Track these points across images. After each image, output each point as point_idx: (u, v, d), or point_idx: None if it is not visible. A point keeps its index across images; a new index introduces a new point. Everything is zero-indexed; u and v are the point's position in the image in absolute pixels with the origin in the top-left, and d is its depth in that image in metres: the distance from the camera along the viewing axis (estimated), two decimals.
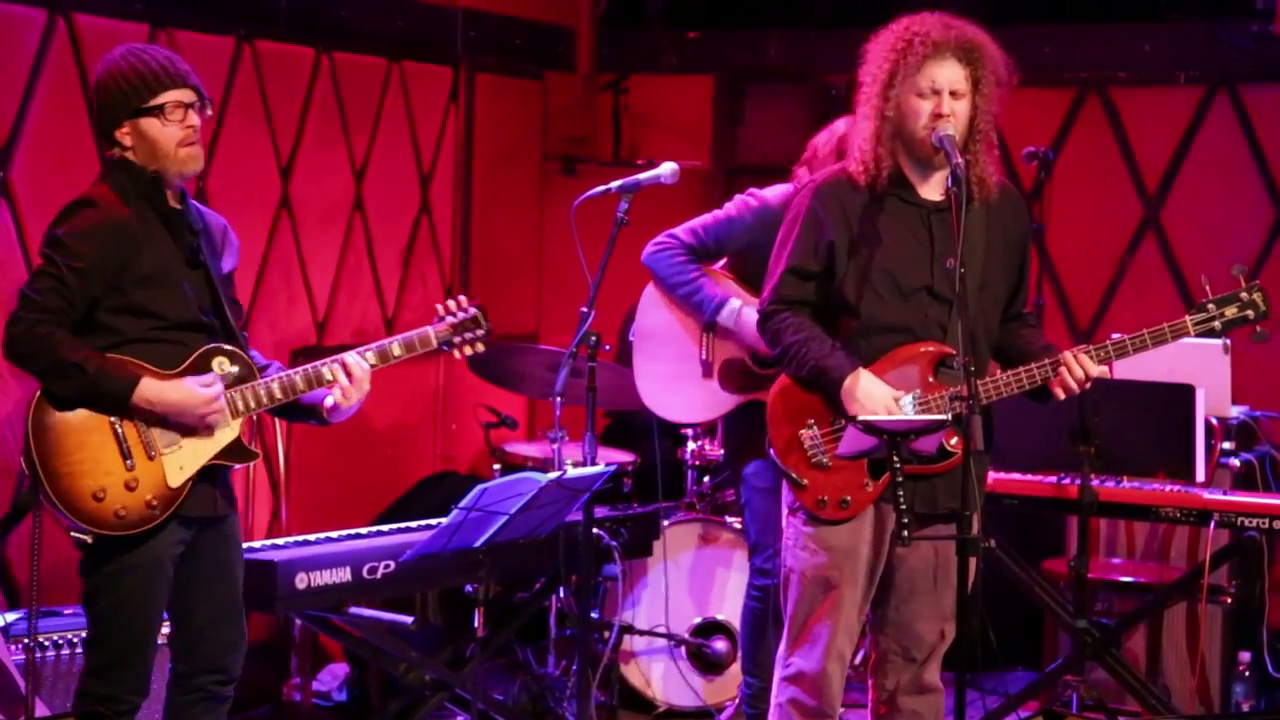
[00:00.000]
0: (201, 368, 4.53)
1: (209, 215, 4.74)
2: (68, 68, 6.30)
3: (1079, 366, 4.62)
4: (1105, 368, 4.67)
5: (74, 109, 6.35)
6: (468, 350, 4.84)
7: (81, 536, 4.43)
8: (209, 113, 4.59)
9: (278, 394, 4.60)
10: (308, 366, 4.64)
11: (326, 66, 7.41)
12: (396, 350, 4.74)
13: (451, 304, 4.84)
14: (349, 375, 4.64)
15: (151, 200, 4.52)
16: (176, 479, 4.49)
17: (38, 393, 4.43)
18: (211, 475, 4.58)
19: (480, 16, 8.13)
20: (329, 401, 4.70)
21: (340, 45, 7.46)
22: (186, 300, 4.54)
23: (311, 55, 7.35)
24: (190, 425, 4.47)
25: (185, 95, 4.50)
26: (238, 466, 4.68)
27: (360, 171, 7.64)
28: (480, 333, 4.84)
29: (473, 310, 4.84)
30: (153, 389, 4.42)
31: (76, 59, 6.32)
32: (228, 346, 4.59)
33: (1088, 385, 4.67)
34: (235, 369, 4.58)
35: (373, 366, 4.69)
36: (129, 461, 4.44)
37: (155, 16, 6.58)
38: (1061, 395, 4.68)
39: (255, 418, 6.41)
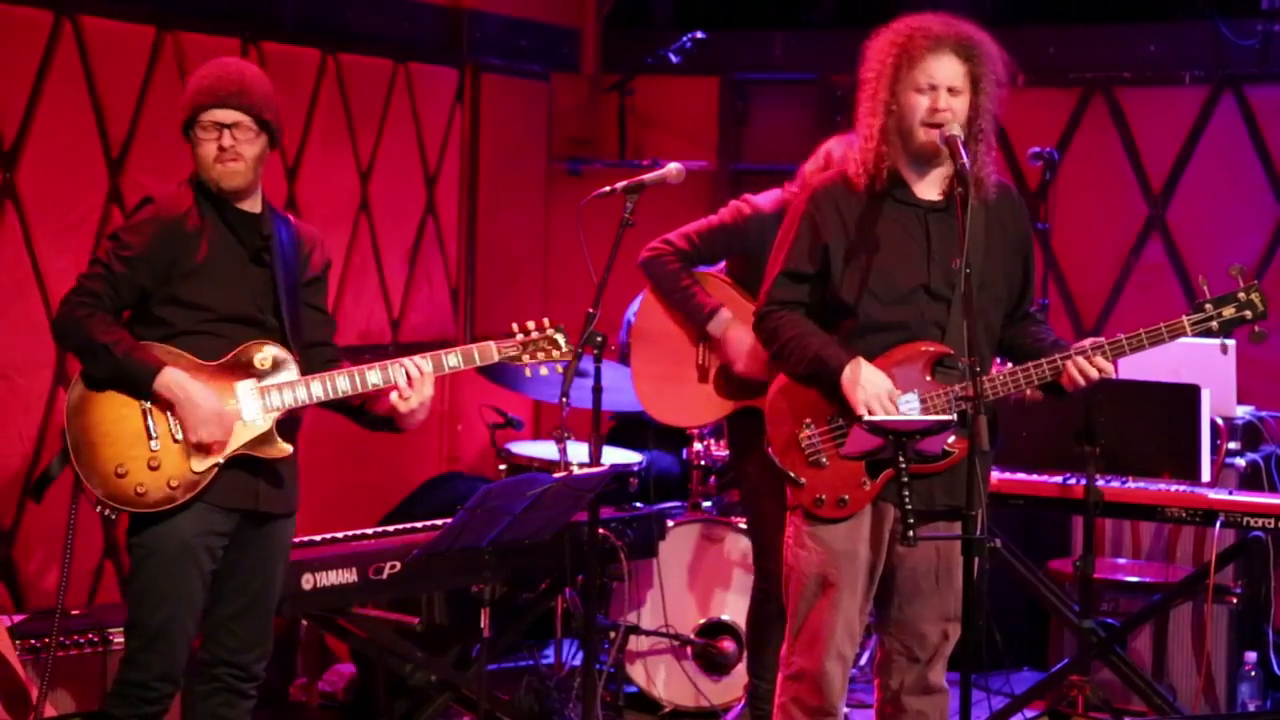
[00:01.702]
0: (243, 360, 4.64)
1: (301, 227, 4.89)
2: (74, 70, 6.31)
3: (1091, 367, 4.62)
4: (1111, 365, 4.68)
5: (80, 111, 6.37)
6: (544, 371, 4.90)
7: (105, 512, 4.57)
8: (255, 135, 4.65)
9: (318, 393, 4.69)
10: (354, 368, 4.73)
11: (332, 68, 7.42)
12: (452, 360, 4.79)
13: (530, 324, 4.88)
14: (408, 378, 4.71)
15: (214, 201, 4.68)
16: (201, 464, 4.57)
17: (80, 371, 4.61)
18: (251, 467, 4.66)
19: (486, 18, 8.14)
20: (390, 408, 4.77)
21: (346, 47, 7.47)
22: (239, 295, 4.67)
23: (317, 57, 7.36)
24: (185, 425, 4.55)
25: (224, 115, 4.62)
26: (280, 465, 4.72)
27: (366, 172, 7.66)
28: (558, 354, 4.89)
29: (550, 331, 4.89)
30: (174, 377, 4.54)
31: (83, 61, 6.33)
32: (271, 343, 4.68)
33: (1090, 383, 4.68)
34: (275, 365, 4.67)
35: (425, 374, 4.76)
36: (154, 442, 4.56)
37: (161, 19, 6.60)
38: (1070, 389, 4.68)
39: None
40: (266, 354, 4.66)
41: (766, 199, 5.86)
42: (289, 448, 4.69)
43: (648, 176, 5.56)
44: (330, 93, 7.42)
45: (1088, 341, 4.66)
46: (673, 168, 5.60)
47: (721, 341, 5.83)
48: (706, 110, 8.78)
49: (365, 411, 4.84)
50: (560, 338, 4.87)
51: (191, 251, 4.61)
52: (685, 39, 8.37)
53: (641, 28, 9.07)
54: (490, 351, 4.81)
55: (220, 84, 4.65)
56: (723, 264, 6.05)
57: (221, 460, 4.60)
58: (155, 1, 6.61)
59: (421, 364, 4.73)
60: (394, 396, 4.71)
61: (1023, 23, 8.16)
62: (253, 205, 4.75)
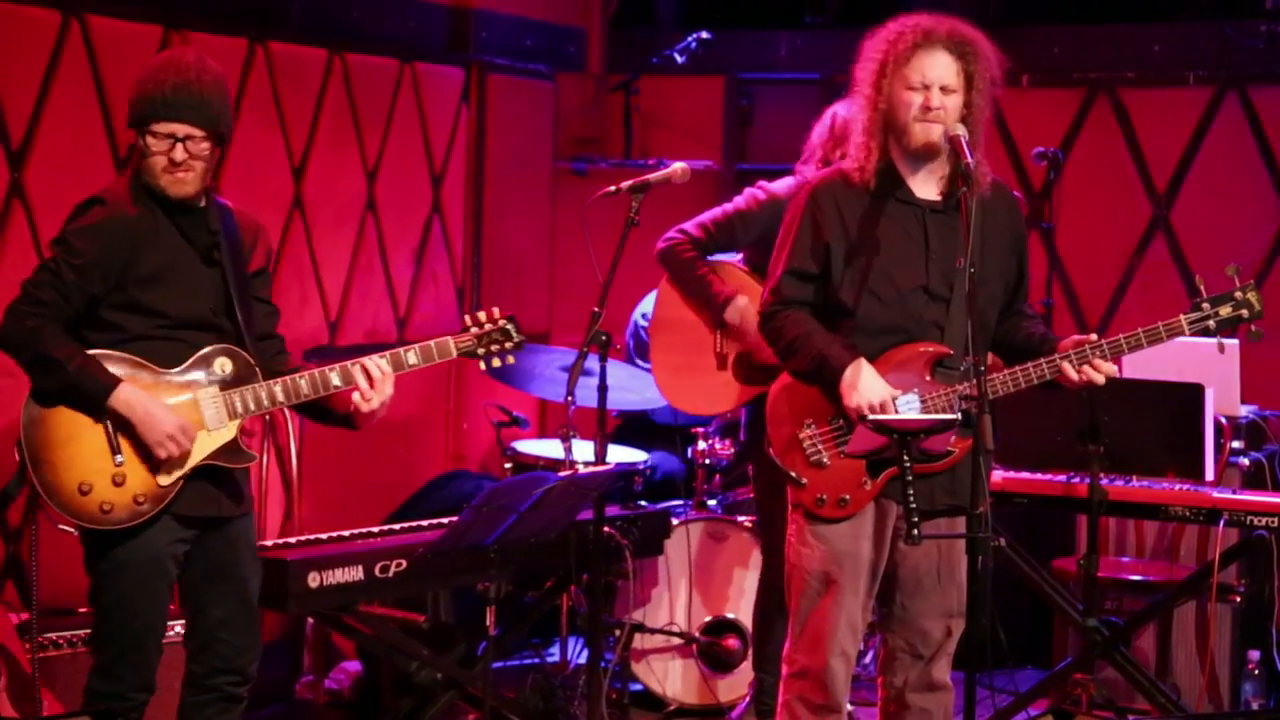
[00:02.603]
0: (203, 367, 4.56)
1: (240, 216, 4.75)
2: (82, 69, 6.33)
3: (1095, 372, 4.64)
4: (1113, 367, 4.70)
5: (88, 111, 6.38)
6: (495, 363, 4.83)
7: (68, 529, 4.49)
8: (209, 148, 4.54)
9: (280, 397, 4.62)
10: (314, 370, 4.65)
11: (339, 67, 7.43)
12: (411, 358, 4.71)
13: (481, 315, 4.82)
14: (369, 378, 4.65)
15: (160, 201, 4.55)
16: (166, 478, 4.50)
17: (31, 387, 4.48)
18: (213, 476, 4.60)
19: (492, 18, 8.16)
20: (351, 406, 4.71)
21: (352, 46, 7.49)
22: (194, 299, 4.58)
23: (324, 56, 7.37)
24: (148, 442, 4.45)
25: (179, 129, 4.49)
26: (235, 468, 4.66)
27: (372, 172, 7.67)
28: (510, 345, 4.82)
29: (502, 322, 4.82)
30: (131, 393, 4.44)
31: (90, 61, 6.35)
32: (230, 348, 4.61)
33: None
34: (235, 370, 4.59)
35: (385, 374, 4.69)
36: (118, 457, 4.46)
37: (168, 18, 6.61)
38: (1073, 389, 4.70)
39: (268, 418, 6.45)
40: (226, 359, 4.59)
41: (782, 185, 5.88)
42: (254, 455, 4.65)
43: (653, 176, 5.57)
44: (337, 92, 7.44)
45: (1085, 339, 4.67)
46: (677, 167, 5.61)
47: (740, 329, 5.85)
48: (711, 110, 8.80)
49: (327, 411, 4.76)
50: (511, 327, 4.81)
51: (145, 255, 4.50)
52: (690, 39, 8.39)
53: (646, 28, 9.09)
54: (448, 347, 4.75)
55: (180, 94, 4.49)
56: (740, 254, 6.07)
57: (187, 471, 4.53)
58: (162, 1, 6.62)
59: (381, 364, 4.65)
60: (356, 397, 4.64)
61: (1027, 23, 8.18)
62: (197, 199, 4.62)
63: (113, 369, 4.46)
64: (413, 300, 7.95)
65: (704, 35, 8.37)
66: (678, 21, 9.07)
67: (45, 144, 6.22)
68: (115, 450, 4.45)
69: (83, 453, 4.44)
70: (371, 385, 4.64)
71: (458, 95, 8.15)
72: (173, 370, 4.54)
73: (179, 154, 4.49)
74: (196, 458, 4.54)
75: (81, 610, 5.75)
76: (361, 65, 7.55)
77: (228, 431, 4.58)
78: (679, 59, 8.43)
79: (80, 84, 6.33)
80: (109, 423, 4.45)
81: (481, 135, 8.24)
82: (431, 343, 4.75)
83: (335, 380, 4.65)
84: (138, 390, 4.45)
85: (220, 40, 6.82)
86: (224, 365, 4.60)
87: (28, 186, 6.18)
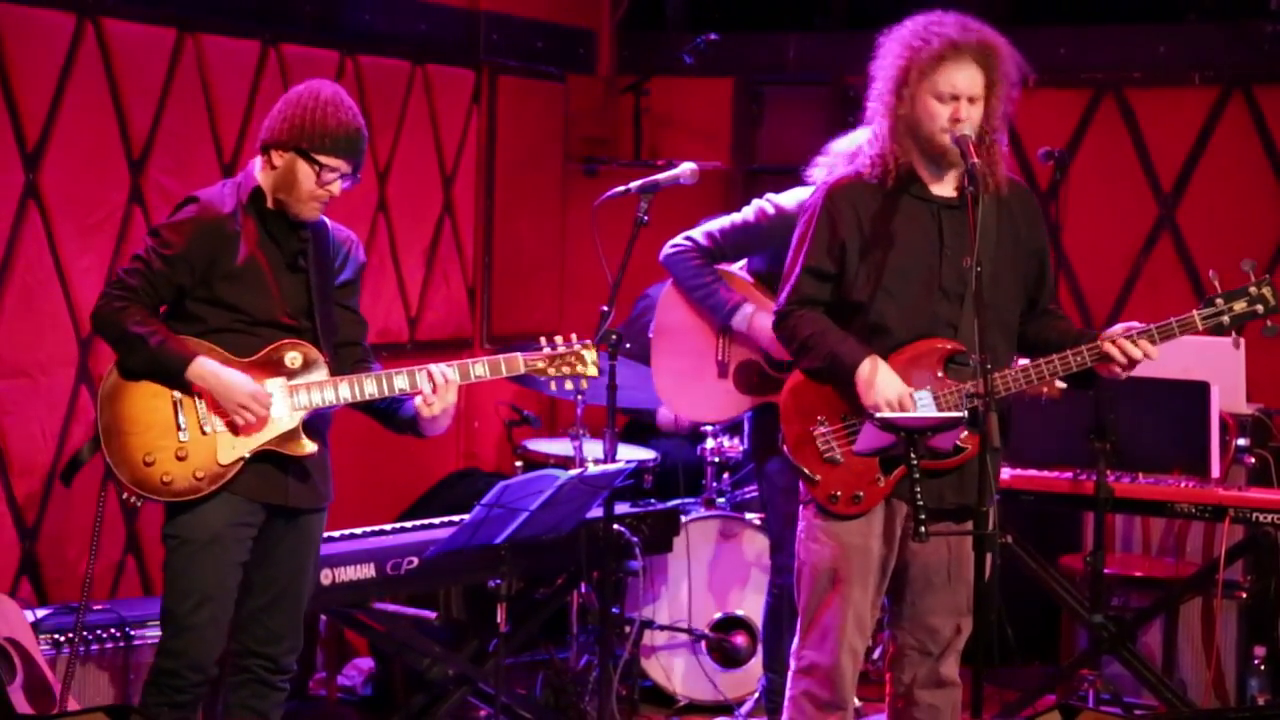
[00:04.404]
0: (274, 358, 4.72)
1: (335, 229, 4.93)
2: (96, 72, 6.38)
3: (1135, 348, 4.64)
4: (1154, 349, 4.66)
5: (103, 113, 6.43)
6: (568, 385, 4.96)
7: (131, 499, 4.67)
8: (349, 186, 4.78)
9: (345, 394, 4.76)
10: (381, 373, 4.80)
11: (351, 69, 7.47)
12: (479, 370, 4.85)
13: (559, 338, 4.95)
14: (432, 384, 4.75)
15: (257, 204, 4.74)
16: (227, 457, 4.66)
17: (115, 361, 4.70)
18: (281, 463, 4.73)
19: (502, 19, 8.20)
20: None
21: (364, 48, 7.53)
22: (275, 300, 4.74)
23: (336, 58, 7.41)
24: (226, 410, 4.64)
25: (345, 167, 4.72)
26: (308, 462, 4.78)
27: (384, 173, 7.71)
28: (582, 368, 4.94)
29: (578, 346, 4.95)
30: (207, 366, 4.63)
31: (105, 63, 6.40)
32: (302, 343, 4.75)
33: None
34: (304, 364, 4.74)
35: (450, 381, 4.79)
36: (182, 434, 4.65)
37: (183, 21, 6.66)
38: (1109, 374, 4.70)
39: None
40: (297, 353, 4.74)
41: (791, 200, 5.86)
42: (313, 446, 4.75)
43: (662, 176, 5.61)
44: (349, 94, 7.46)
45: (1119, 328, 4.70)
46: (687, 168, 5.65)
47: (749, 335, 5.86)
48: (720, 111, 8.83)
49: (392, 415, 4.90)
50: (589, 355, 4.94)
51: (231, 254, 4.69)
52: (699, 41, 8.43)
53: (656, 30, 9.13)
54: (517, 363, 4.88)
55: (358, 139, 4.74)
56: (744, 262, 6.09)
57: (247, 455, 4.67)
58: (176, 4, 6.67)
59: (448, 372, 4.78)
60: (418, 401, 4.76)
61: (1034, 23, 8.20)
62: None
63: None
64: (424, 300, 7.99)
65: (713, 37, 8.40)
66: (687, 23, 9.10)
67: (60, 146, 6.26)
68: (180, 428, 4.65)
69: (151, 428, 4.65)
70: (435, 391, 4.74)
71: (469, 96, 8.18)
72: (245, 360, 4.70)
73: (337, 188, 4.72)
74: (257, 442, 4.69)
75: (98, 607, 5.81)
76: (373, 67, 7.59)
77: (289, 421, 4.72)
78: (688, 60, 8.48)
79: (95, 86, 6.38)
80: (178, 401, 4.65)
81: (492, 136, 8.28)
82: (500, 357, 4.89)
83: (400, 383, 4.78)
84: (212, 362, 4.65)
85: (233, 43, 6.87)
86: (294, 359, 4.75)
87: (42, 188, 6.23)
